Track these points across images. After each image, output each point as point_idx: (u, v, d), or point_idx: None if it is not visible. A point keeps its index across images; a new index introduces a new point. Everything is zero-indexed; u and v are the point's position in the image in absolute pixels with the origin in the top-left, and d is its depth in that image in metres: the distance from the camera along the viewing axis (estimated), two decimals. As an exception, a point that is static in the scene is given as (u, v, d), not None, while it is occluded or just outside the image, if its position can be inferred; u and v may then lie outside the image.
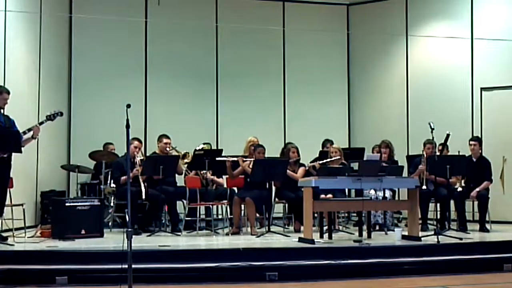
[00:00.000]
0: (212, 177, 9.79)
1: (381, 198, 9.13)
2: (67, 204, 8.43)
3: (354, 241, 7.96)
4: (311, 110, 12.16)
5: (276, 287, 6.60)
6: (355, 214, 10.24)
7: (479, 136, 10.10)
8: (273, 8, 12.25)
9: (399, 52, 11.97)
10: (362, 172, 7.82)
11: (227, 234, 9.00)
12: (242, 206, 9.16)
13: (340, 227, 9.45)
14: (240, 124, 11.59)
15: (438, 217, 9.15)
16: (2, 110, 7.60)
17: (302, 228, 8.54)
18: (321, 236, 8.33)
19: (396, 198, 9.81)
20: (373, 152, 9.99)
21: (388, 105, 12.12)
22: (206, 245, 8.21)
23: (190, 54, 11.81)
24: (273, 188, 9.38)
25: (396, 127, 11.74)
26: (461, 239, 8.04)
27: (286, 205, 9.62)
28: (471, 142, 9.40)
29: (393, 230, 8.67)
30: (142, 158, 9.31)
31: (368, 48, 12.40)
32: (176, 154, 9.67)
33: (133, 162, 8.96)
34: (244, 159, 9.09)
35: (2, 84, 8.08)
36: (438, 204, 9.14)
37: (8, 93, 7.63)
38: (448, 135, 8.98)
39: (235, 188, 9.71)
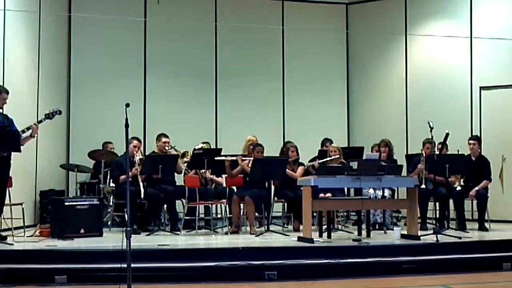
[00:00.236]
0: (211, 176, 9.80)
1: (380, 197, 9.13)
2: (66, 204, 8.43)
3: (353, 240, 7.96)
4: (310, 109, 12.16)
5: (275, 286, 6.60)
6: (354, 213, 10.25)
7: (478, 135, 10.11)
8: (272, 8, 12.24)
9: (398, 51, 11.97)
10: (361, 171, 7.83)
11: (226, 233, 9.00)
12: (241, 205, 9.17)
13: (339, 226, 9.45)
14: (240, 124, 11.58)
15: (437, 216, 9.15)
16: (1, 110, 7.59)
17: (301, 227, 8.55)
18: (320, 235, 8.33)
19: (395, 197, 9.82)
20: (372, 151, 9.99)
21: (387, 104, 12.12)
22: (205, 244, 8.21)
23: (189, 53, 11.81)
24: (272, 187, 9.37)
25: (395, 126, 11.74)
26: (460, 238, 8.05)
27: (285, 204, 9.63)
28: (470, 141, 9.40)
29: (392, 229, 8.68)
30: (141, 157, 9.31)
31: (368, 47, 12.40)
32: (175, 153, 9.66)
33: (132, 161, 8.96)
34: (243, 158, 9.09)
35: (1, 84, 8.09)
36: (437, 203, 9.14)
37: (7, 92, 7.63)
38: (447, 134, 8.98)
39: (234, 187, 9.73)
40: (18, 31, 9.32)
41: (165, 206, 9.31)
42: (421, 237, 8.01)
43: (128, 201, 5.78)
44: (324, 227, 8.48)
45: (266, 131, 11.21)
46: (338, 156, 9.34)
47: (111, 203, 9.67)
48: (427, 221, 9.38)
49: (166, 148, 9.46)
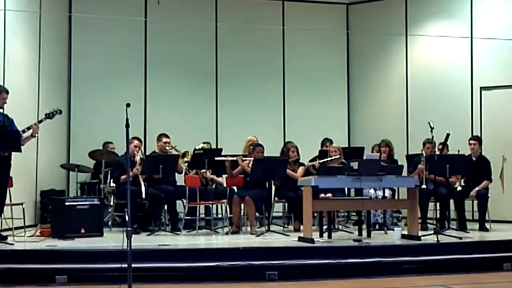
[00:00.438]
0: (212, 176, 9.79)
1: (380, 197, 9.12)
2: (66, 204, 8.42)
3: (354, 240, 7.96)
4: (310, 110, 12.16)
5: (275, 287, 6.60)
6: (354, 214, 10.24)
7: (479, 135, 10.10)
8: (272, 8, 12.23)
9: (398, 51, 11.97)
10: (362, 172, 7.82)
11: (226, 233, 9.00)
12: (242, 205, 9.17)
13: (340, 226, 9.45)
14: (240, 124, 11.58)
15: (438, 216, 9.16)
16: (1, 110, 7.59)
17: (301, 227, 8.54)
18: (321, 236, 8.33)
19: (396, 197, 9.81)
20: (372, 152, 9.99)
21: (388, 105, 12.12)
22: (205, 244, 8.21)
23: (189, 53, 11.80)
24: (273, 187, 9.37)
25: (395, 127, 11.74)
26: (460, 238, 8.05)
27: (286, 204, 9.63)
28: (471, 142, 9.40)
29: (393, 230, 8.67)
30: (142, 157, 9.31)
31: (368, 48, 12.40)
32: (176, 153, 9.66)
33: (133, 161, 8.96)
34: (243, 159, 9.09)
35: (2, 83, 8.09)
36: (438, 204, 9.15)
37: (7, 92, 7.63)
38: (448, 135, 8.99)
39: (235, 188, 9.73)
40: (18, 31, 9.32)
41: (166, 206, 9.31)
42: (422, 237, 8.01)
43: (128, 201, 5.78)
44: (325, 227, 8.48)
45: (266, 131, 11.21)
46: (338, 156, 9.33)
47: (111, 203, 9.67)
48: (428, 221, 9.38)
49: (167, 148, 9.47)
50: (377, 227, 9.27)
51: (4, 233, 7.77)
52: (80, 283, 6.49)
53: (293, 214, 9.43)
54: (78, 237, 8.15)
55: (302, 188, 8.09)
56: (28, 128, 7.70)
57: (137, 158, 9.11)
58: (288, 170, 9.00)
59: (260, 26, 11.57)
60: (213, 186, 9.86)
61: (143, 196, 8.80)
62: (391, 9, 12.00)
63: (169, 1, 11.52)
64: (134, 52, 11.55)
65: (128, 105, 5.82)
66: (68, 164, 10.73)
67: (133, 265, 5.49)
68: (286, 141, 11.05)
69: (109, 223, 9.47)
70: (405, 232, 8.26)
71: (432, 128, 8.51)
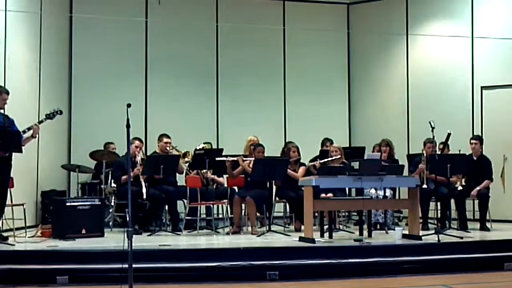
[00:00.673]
0: (213, 176, 9.79)
1: (381, 197, 9.12)
2: (67, 204, 8.42)
3: (355, 240, 7.96)
4: (311, 110, 12.16)
5: (276, 287, 6.60)
6: (355, 213, 10.24)
7: (480, 135, 10.10)
8: (273, 8, 12.24)
9: (399, 51, 11.97)
10: (363, 171, 7.82)
11: (227, 233, 9.00)
12: (243, 205, 9.16)
13: (341, 226, 9.45)
14: (241, 124, 11.58)
15: (439, 216, 9.18)
16: (1, 110, 7.60)
17: (302, 227, 8.54)
18: (322, 235, 8.33)
19: (397, 197, 9.80)
20: (373, 151, 9.99)
21: (388, 104, 12.11)
22: (206, 244, 8.22)
23: (190, 53, 11.81)
24: (274, 187, 9.38)
25: (396, 126, 11.73)
26: (461, 238, 8.04)
27: (287, 204, 9.63)
28: (472, 141, 9.40)
29: (394, 229, 8.66)
30: (143, 157, 9.31)
31: (369, 47, 12.40)
32: (177, 153, 9.66)
33: (134, 161, 8.96)
34: (244, 159, 9.09)
35: (3, 84, 8.09)
36: (439, 203, 9.17)
37: (8, 93, 7.62)
38: (449, 134, 8.99)
39: (236, 188, 9.72)
40: (19, 32, 9.33)
41: (167, 206, 9.31)
42: (423, 237, 8.01)
43: (129, 201, 5.79)
44: (326, 227, 8.47)
45: (267, 131, 11.21)
46: (339, 156, 9.33)
47: (112, 204, 9.67)
48: (429, 221, 9.37)
49: (168, 148, 9.47)
50: (378, 227, 9.26)
51: (5, 234, 7.77)
52: (81, 284, 6.50)
53: (294, 214, 9.43)
54: (79, 237, 8.14)
55: (303, 188, 8.09)
56: (29, 129, 7.70)
57: (138, 159, 9.11)
58: (289, 170, 9.00)
59: (261, 26, 11.57)
60: (214, 186, 9.85)
61: (144, 196, 8.80)
62: (392, 9, 11.99)
63: (169, 1, 11.52)
64: (134, 52, 11.55)
65: (129, 105, 5.83)
66: (69, 165, 10.75)
67: (134, 266, 5.50)
68: (286, 141, 11.05)
69: (110, 223, 9.47)
70: (406, 232, 8.25)
71: (433, 128, 8.51)
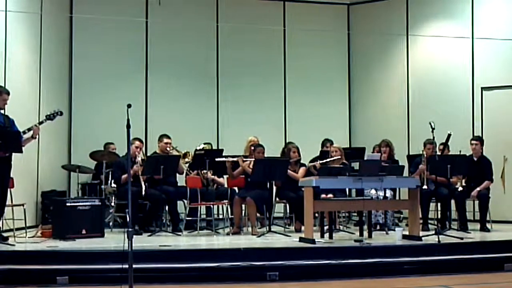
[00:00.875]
0: (213, 177, 9.79)
1: (381, 197, 9.12)
2: (67, 204, 8.42)
3: (355, 240, 7.95)
4: (311, 110, 12.16)
5: (277, 287, 6.60)
6: (355, 214, 10.24)
7: (480, 135, 10.10)
8: (274, 8, 12.25)
9: (399, 51, 11.97)
10: (363, 172, 7.82)
11: (227, 234, 9.00)
12: (243, 206, 9.16)
13: (341, 227, 9.44)
14: (241, 124, 11.59)
15: (439, 216, 9.17)
16: (2, 110, 7.59)
17: (302, 228, 8.54)
18: (322, 236, 8.33)
19: (397, 197, 9.80)
20: (373, 152, 9.99)
21: (389, 105, 12.12)
22: (206, 245, 8.22)
23: (191, 54, 11.81)
24: (274, 188, 9.37)
25: (396, 127, 11.73)
26: (462, 238, 8.04)
27: (287, 205, 9.63)
28: (472, 142, 9.40)
29: (394, 230, 8.65)
30: (143, 158, 9.31)
31: (369, 48, 12.40)
32: (177, 154, 9.67)
33: (134, 162, 8.96)
34: (244, 159, 9.09)
35: (3, 84, 8.09)
36: (439, 204, 9.17)
37: (8, 93, 7.62)
38: (449, 135, 8.98)
39: (236, 188, 9.71)
40: (19, 32, 9.33)
41: (167, 206, 9.30)
42: (423, 238, 8.01)
43: (129, 201, 5.78)
44: (326, 227, 8.47)
45: (267, 132, 11.21)
46: (339, 156, 9.33)
47: (112, 204, 9.67)
48: (429, 221, 9.37)
49: (168, 148, 9.47)
50: (378, 227, 9.26)
51: (5, 234, 7.77)
52: (81, 284, 6.49)
53: (294, 214, 9.43)
54: (79, 237, 8.14)
55: (303, 189, 8.09)
56: (29, 129, 7.69)
57: (138, 159, 9.11)
58: (289, 171, 9.00)
59: (261, 26, 11.58)
60: (214, 187, 9.86)
61: (144, 196, 8.80)
62: (392, 9, 12.00)
63: (170, 2, 11.53)
64: (135, 52, 11.56)
65: (129, 105, 5.83)
66: (69, 165, 10.75)
67: (134, 266, 5.50)
68: (287, 141, 11.06)
69: (110, 223, 9.46)
70: (406, 233, 8.25)
71: (433, 129, 8.51)
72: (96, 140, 10.63)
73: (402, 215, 10.61)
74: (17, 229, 8.08)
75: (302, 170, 9.26)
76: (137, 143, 9.14)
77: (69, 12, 11.23)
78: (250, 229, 9.03)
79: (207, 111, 11.83)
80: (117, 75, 11.37)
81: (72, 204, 8.44)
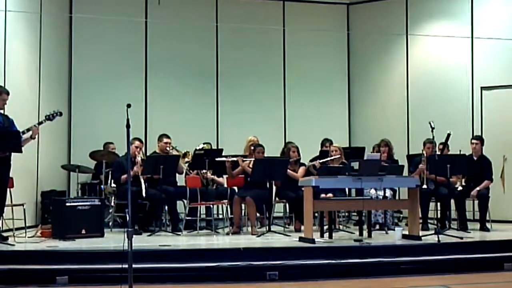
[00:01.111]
0: (213, 176, 9.80)
1: (381, 197, 9.13)
2: (67, 204, 8.42)
3: (355, 240, 7.96)
4: (311, 110, 12.16)
5: (276, 287, 6.60)
6: (355, 214, 10.24)
7: (480, 135, 10.10)
8: (273, 8, 12.24)
9: (399, 51, 11.97)
10: (363, 172, 7.82)
11: (227, 233, 9.01)
12: (243, 205, 9.16)
13: (341, 227, 9.45)
14: (241, 124, 11.58)
15: (439, 216, 9.17)
16: (1, 111, 7.59)
17: (302, 227, 8.54)
18: (322, 236, 8.33)
19: (397, 197, 9.80)
20: (372, 152, 9.99)
21: (388, 105, 12.12)
22: (206, 244, 8.22)
23: (190, 54, 11.81)
24: (274, 187, 9.37)
25: (396, 127, 11.73)
26: (461, 238, 8.04)
27: (287, 204, 9.64)
28: (473, 141, 9.40)
29: (394, 230, 8.66)
30: (142, 158, 9.31)
31: (368, 48, 12.40)
32: (177, 153, 9.67)
33: (134, 162, 8.96)
34: (244, 159, 9.09)
35: (2, 84, 8.08)
36: (439, 203, 9.17)
37: (8, 93, 7.62)
38: (449, 135, 8.99)
39: (236, 188, 9.72)
40: (19, 32, 9.32)
41: (166, 206, 9.30)
42: (423, 238, 8.01)
43: (129, 201, 5.79)
44: (326, 227, 8.47)
45: (267, 132, 11.21)
46: (339, 156, 9.34)
47: (112, 204, 9.68)
48: (429, 221, 9.37)
49: (168, 148, 9.47)
50: (377, 227, 9.27)
51: (5, 234, 7.77)
52: (80, 284, 6.49)
53: (294, 214, 9.43)
54: (79, 237, 8.15)
55: (303, 188, 8.09)
56: (28, 130, 7.69)
57: (138, 159, 9.11)
58: (288, 170, 9.00)
59: (261, 26, 11.57)
60: (214, 187, 9.86)
61: (143, 194, 8.79)
62: (392, 9, 11.99)
63: (169, 2, 11.52)
64: (134, 52, 11.55)
65: (128, 105, 5.83)
66: (69, 165, 10.75)
67: (134, 266, 5.50)
68: (286, 141, 11.05)
69: (110, 223, 9.46)
70: (406, 232, 8.25)
71: (432, 128, 8.52)
72: (96, 140, 10.62)
73: (401, 215, 10.61)
74: (17, 229, 8.08)
75: (301, 169, 9.26)
76: (137, 143, 9.15)
77: (69, 12, 11.22)
78: (249, 228, 9.03)
79: (207, 111, 11.83)
80: (116, 75, 11.37)
81: (72, 204, 8.45)
